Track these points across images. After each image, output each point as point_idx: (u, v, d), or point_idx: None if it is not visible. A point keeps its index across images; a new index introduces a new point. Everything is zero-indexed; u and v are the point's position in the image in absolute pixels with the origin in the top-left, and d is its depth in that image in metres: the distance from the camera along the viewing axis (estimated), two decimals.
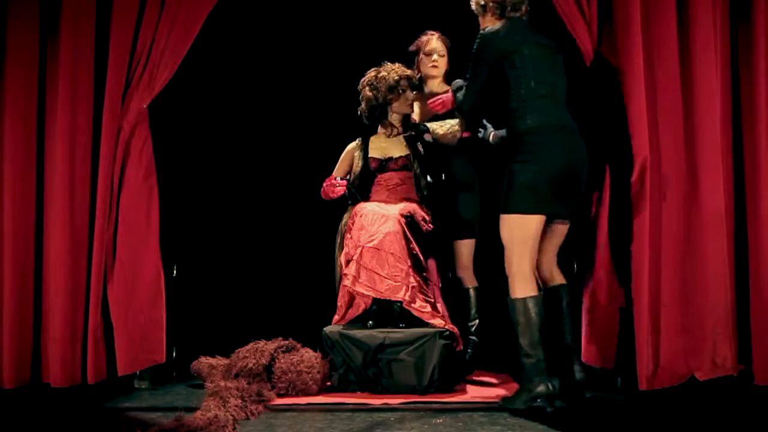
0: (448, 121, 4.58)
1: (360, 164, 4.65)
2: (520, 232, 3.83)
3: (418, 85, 4.71)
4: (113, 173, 4.42)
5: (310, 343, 4.36)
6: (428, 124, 4.59)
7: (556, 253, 4.03)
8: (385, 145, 4.66)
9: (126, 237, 4.42)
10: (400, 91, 4.58)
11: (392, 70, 4.60)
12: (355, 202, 4.62)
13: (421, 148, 4.61)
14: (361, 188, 4.65)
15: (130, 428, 3.48)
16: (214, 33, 4.82)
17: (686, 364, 4.15)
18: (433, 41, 4.73)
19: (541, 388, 3.80)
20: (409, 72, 4.64)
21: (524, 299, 3.82)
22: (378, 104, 4.61)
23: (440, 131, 4.57)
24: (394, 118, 4.65)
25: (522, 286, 3.83)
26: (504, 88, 3.93)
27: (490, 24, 4.01)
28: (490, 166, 4.86)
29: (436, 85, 4.78)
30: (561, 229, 4.01)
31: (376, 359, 4.20)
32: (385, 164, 4.62)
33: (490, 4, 4.00)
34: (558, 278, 4.02)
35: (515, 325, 3.86)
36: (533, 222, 3.83)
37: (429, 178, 4.60)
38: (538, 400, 3.81)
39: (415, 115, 4.74)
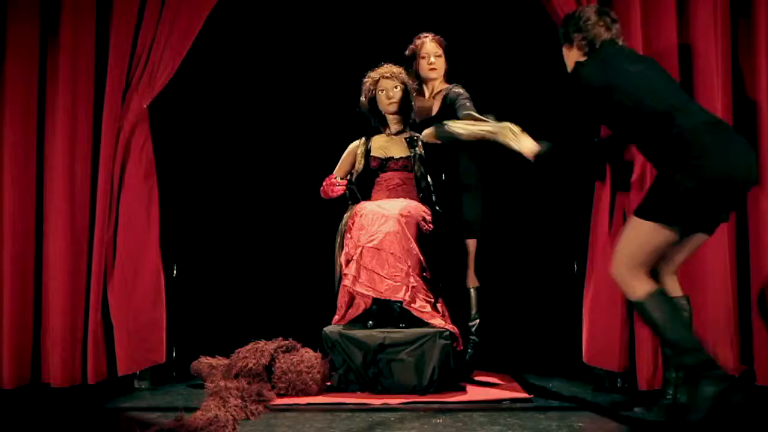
0: (485, 125, 4.04)
1: (363, 162, 4.65)
2: (649, 242, 3.44)
3: (404, 86, 4.58)
4: (113, 173, 4.42)
5: (310, 343, 4.36)
6: (452, 124, 4.13)
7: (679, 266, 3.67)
8: (387, 145, 4.66)
9: (126, 237, 4.42)
10: (379, 93, 4.58)
11: (380, 70, 4.60)
12: (355, 202, 4.62)
13: (421, 150, 4.59)
14: (362, 187, 4.65)
15: (130, 428, 3.48)
16: (214, 33, 4.83)
17: None
18: (427, 44, 4.71)
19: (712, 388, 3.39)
20: (392, 71, 4.57)
21: (648, 295, 3.45)
22: (371, 108, 4.64)
23: (464, 132, 4.08)
24: (390, 118, 4.65)
25: (641, 285, 3.46)
26: (628, 117, 3.50)
27: (575, 58, 3.68)
28: (493, 166, 4.85)
29: (436, 85, 4.77)
30: (699, 241, 3.60)
31: (376, 359, 4.20)
32: (385, 163, 4.62)
33: (578, 39, 3.65)
34: (677, 290, 3.62)
35: (653, 328, 3.49)
36: (669, 233, 3.45)
37: (429, 179, 4.58)
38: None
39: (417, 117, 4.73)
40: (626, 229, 3.56)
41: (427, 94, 4.79)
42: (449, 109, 4.61)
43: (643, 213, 3.47)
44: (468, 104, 4.54)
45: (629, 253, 3.48)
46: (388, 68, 4.61)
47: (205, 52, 4.88)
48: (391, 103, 4.58)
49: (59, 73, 4.39)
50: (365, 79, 4.64)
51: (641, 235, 3.47)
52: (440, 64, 4.71)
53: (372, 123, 4.68)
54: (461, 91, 4.63)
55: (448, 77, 4.79)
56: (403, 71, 4.62)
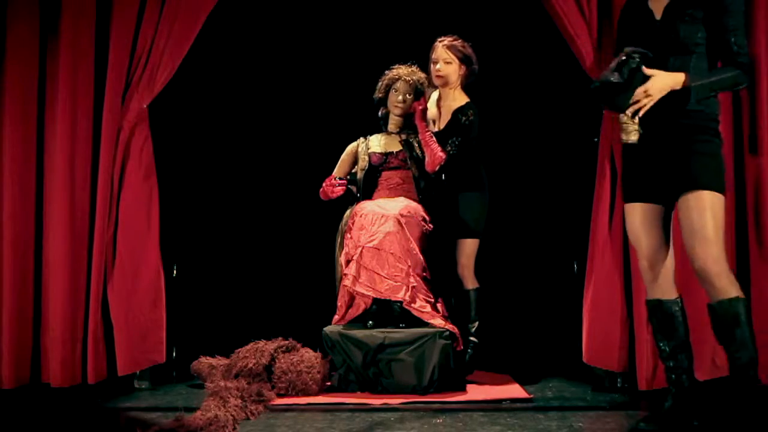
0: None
1: (366, 159, 4.66)
2: (721, 217, 3.05)
3: (420, 92, 4.56)
4: (113, 173, 4.42)
5: (310, 343, 4.36)
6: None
7: None
8: (386, 141, 4.67)
9: (126, 237, 4.42)
10: (393, 91, 4.59)
11: (400, 70, 4.60)
12: (360, 196, 4.62)
13: (418, 150, 4.59)
14: (369, 186, 4.65)
15: (130, 428, 3.48)
16: (214, 33, 4.83)
17: None
18: (438, 49, 4.52)
19: None
20: (413, 78, 4.56)
21: (740, 299, 3.08)
22: (381, 99, 4.65)
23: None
24: (392, 117, 4.66)
25: (734, 282, 3.08)
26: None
27: None
28: (493, 166, 4.84)
29: (446, 93, 4.58)
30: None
31: (376, 359, 4.20)
32: (386, 158, 4.62)
33: None
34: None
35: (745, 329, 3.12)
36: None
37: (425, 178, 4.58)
38: None
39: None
40: (697, 211, 3.07)
41: (442, 101, 4.61)
42: (455, 130, 4.48)
43: (712, 184, 3.05)
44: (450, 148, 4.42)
45: (718, 238, 3.00)
46: (412, 72, 4.59)
47: (205, 52, 4.88)
48: (397, 106, 4.60)
49: (59, 73, 4.40)
50: (387, 71, 4.62)
51: (719, 212, 3.04)
52: (448, 71, 4.50)
53: (378, 114, 4.69)
54: (467, 125, 4.45)
55: (471, 89, 4.60)
56: (425, 81, 4.55)
